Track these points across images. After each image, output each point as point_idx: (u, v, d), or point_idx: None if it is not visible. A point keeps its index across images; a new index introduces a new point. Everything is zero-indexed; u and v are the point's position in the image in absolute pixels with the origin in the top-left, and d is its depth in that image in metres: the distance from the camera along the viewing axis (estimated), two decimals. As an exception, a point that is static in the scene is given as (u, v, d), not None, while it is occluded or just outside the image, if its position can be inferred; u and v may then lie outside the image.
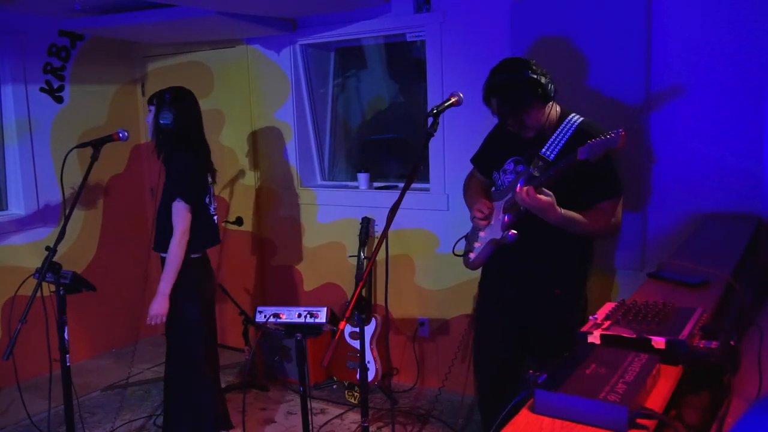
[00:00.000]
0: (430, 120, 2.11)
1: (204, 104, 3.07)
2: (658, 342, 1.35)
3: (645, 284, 1.98)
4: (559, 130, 2.29)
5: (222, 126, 4.36)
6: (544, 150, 2.26)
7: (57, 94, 4.29)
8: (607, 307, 1.61)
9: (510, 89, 2.26)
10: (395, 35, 3.82)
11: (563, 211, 2.19)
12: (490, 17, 3.33)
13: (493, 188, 2.52)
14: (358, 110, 4.33)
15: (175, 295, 2.83)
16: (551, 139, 2.28)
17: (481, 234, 2.46)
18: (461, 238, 2.62)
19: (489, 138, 2.67)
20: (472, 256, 2.50)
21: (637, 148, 2.92)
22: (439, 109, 2.12)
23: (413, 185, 3.59)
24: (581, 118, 2.33)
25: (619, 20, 2.91)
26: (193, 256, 2.87)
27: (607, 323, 1.48)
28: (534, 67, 2.26)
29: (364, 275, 1.97)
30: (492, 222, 2.42)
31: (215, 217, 3.03)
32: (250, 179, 4.34)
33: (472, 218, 2.51)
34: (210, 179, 2.99)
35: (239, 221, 4.34)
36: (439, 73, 3.52)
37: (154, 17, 3.60)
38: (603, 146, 2.01)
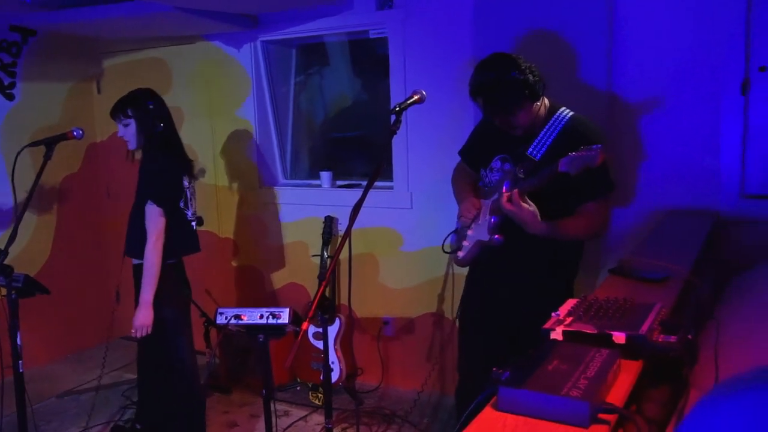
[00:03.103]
0: (393, 118, 2.11)
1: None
2: (619, 337, 1.38)
3: (606, 280, 2.02)
4: (547, 127, 2.27)
5: (181, 124, 4.29)
6: (530, 149, 2.26)
7: (8, 92, 4.17)
8: (570, 303, 1.63)
9: (496, 90, 2.21)
10: (358, 32, 3.81)
11: (545, 223, 2.17)
12: (452, 14, 3.34)
13: (480, 183, 2.52)
14: (320, 108, 4.31)
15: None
16: (538, 138, 2.26)
17: (470, 233, 2.46)
18: (451, 233, 2.62)
19: (476, 131, 2.64)
20: (460, 254, 2.51)
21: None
22: (402, 106, 2.11)
23: (377, 183, 3.59)
24: (569, 114, 2.32)
25: (581, 20, 2.95)
26: (168, 262, 2.81)
27: (569, 319, 1.50)
28: (522, 65, 2.21)
29: (327, 274, 1.96)
30: (480, 221, 2.42)
31: (194, 223, 2.97)
32: (211, 178, 4.29)
33: (459, 217, 2.51)
34: (187, 182, 2.92)
35: (200, 221, 4.25)
36: (401, 70, 3.53)
37: (110, 13, 3.52)
38: (582, 162, 1.97)
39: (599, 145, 1.97)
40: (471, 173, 2.64)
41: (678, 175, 2.90)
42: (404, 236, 3.71)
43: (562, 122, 2.28)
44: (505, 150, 2.39)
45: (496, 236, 2.30)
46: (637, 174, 2.99)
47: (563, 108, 2.34)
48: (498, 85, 2.20)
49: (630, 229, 3.02)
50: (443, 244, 2.61)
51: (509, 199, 2.13)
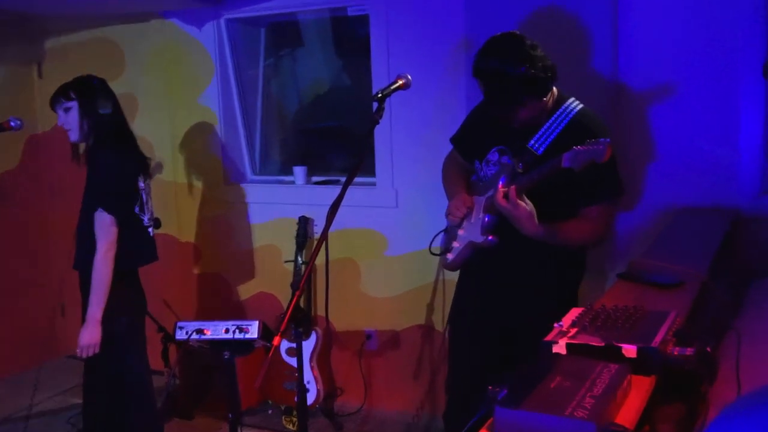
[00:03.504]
0: (375, 105, 2.11)
1: (114, 88, 2.98)
2: (629, 350, 1.38)
3: (614, 286, 2.03)
4: (553, 119, 2.27)
5: (135, 113, 4.26)
6: (532, 142, 2.26)
7: (-65, 76, 4.12)
8: (573, 312, 1.63)
9: (501, 83, 2.18)
10: (335, 9, 3.81)
11: (542, 226, 2.18)
12: (441, -10, 3.35)
13: (474, 176, 2.52)
14: (294, 95, 4.30)
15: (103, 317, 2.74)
16: (542, 130, 2.26)
17: (461, 232, 2.46)
18: (439, 233, 2.61)
19: (472, 117, 2.63)
20: (450, 256, 2.51)
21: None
22: (385, 93, 2.11)
23: (357, 179, 3.57)
24: (579, 106, 2.32)
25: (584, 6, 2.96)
26: (122, 272, 2.78)
27: (573, 331, 1.50)
28: (534, 56, 2.16)
29: (302, 282, 1.95)
30: (472, 219, 2.41)
31: (151, 229, 2.95)
32: (169, 174, 4.26)
33: (448, 215, 2.50)
34: (142, 182, 2.89)
35: (157, 223, 4.22)
36: (384, 52, 3.52)
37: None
38: (587, 157, 1.98)
39: (607, 139, 1.98)
40: (464, 164, 2.63)
41: (692, 169, 2.92)
42: (389, 238, 3.71)
43: (570, 115, 2.28)
44: (504, 141, 2.39)
45: (489, 237, 2.30)
46: (647, 169, 3.01)
47: (572, 99, 2.34)
48: (501, 78, 2.17)
49: (640, 230, 3.03)
50: (430, 246, 2.61)
51: (505, 196, 2.13)
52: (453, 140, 2.69)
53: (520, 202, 2.12)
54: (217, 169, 4.14)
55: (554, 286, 2.42)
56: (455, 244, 2.48)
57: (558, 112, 2.29)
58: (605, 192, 2.30)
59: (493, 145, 2.43)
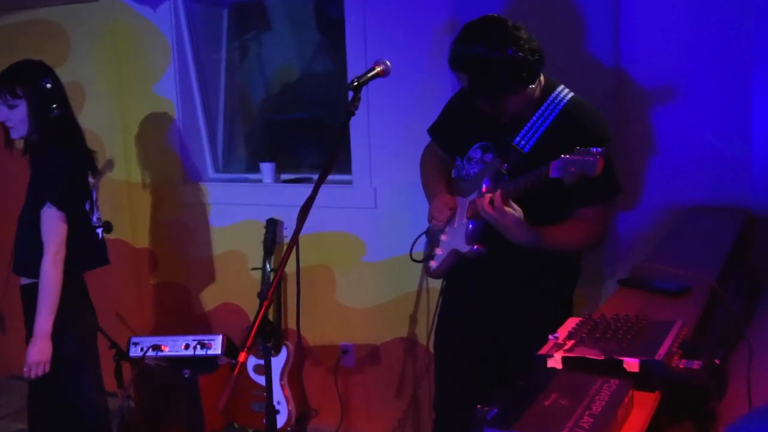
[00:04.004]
0: (351, 94, 2.10)
1: (58, 75, 2.97)
2: (631, 364, 1.39)
3: (615, 294, 2.04)
4: (540, 111, 2.28)
5: (82, 104, 4.23)
6: (518, 139, 2.26)
7: None
8: (570, 323, 1.64)
9: (486, 70, 2.18)
10: (306, -12, 3.80)
11: (533, 230, 2.18)
12: (423, -34, 3.36)
13: (455, 173, 2.52)
14: (260, 83, 4.29)
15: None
16: (529, 123, 2.26)
17: (443, 238, 2.47)
18: (419, 237, 2.62)
19: (451, 107, 2.63)
20: (433, 264, 2.51)
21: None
22: (361, 80, 2.11)
23: (331, 177, 3.58)
24: (569, 95, 2.32)
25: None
26: (69, 279, 2.76)
27: (569, 343, 1.51)
28: (520, 39, 2.17)
29: (270, 292, 1.95)
30: (455, 224, 2.42)
31: (100, 231, 2.94)
32: (121, 172, 4.24)
33: (431, 219, 2.51)
34: (92, 178, 2.89)
35: (107, 227, 4.20)
36: (361, 35, 3.52)
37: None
38: (578, 169, 1.98)
39: (600, 149, 1.97)
40: (444, 158, 2.64)
41: (700, 165, 2.95)
42: (367, 243, 3.71)
43: (559, 106, 2.28)
44: (488, 136, 2.39)
45: (475, 247, 2.31)
46: (651, 165, 3.03)
47: (561, 87, 2.34)
48: (486, 65, 2.18)
49: (643, 231, 3.06)
50: (411, 251, 2.61)
51: (490, 202, 2.13)
52: (431, 131, 2.69)
53: (507, 209, 2.12)
54: (175, 166, 4.12)
55: (548, 294, 2.44)
56: (438, 251, 2.48)
57: (546, 103, 2.29)
58: (601, 192, 2.31)
59: (475, 141, 2.43)
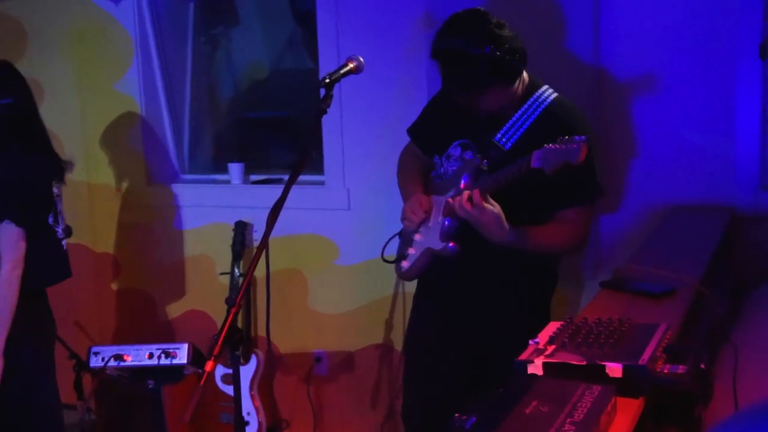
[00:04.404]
0: (323, 92, 2.10)
1: (13, 71, 2.95)
2: (614, 369, 1.40)
3: (597, 296, 2.05)
4: (523, 109, 2.30)
5: (40, 102, 4.14)
6: (498, 136, 2.28)
7: None
8: (551, 327, 1.65)
9: (463, 65, 2.20)
10: (275, -20, 3.80)
11: (513, 229, 2.19)
12: (398, -43, 3.37)
13: (434, 173, 2.53)
14: (229, 80, 4.28)
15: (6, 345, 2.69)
16: (511, 121, 2.28)
17: (417, 237, 2.48)
18: (393, 237, 2.62)
19: (432, 106, 2.65)
20: (405, 264, 2.51)
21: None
22: (333, 77, 2.11)
23: (303, 178, 3.55)
24: (552, 95, 2.34)
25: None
26: (27, 291, 2.73)
27: (550, 348, 1.51)
28: (503, 36, 2.18)
29: (239, 298, 1.94)
30: (430, 224, 2.43)
31: (64, 243, 2.91)
32: (81, 173, 4.19)
33: (403, 219, 2.51)
34: (57, 188, 2.85)
35: (68, 231, 4.16)
36: (333, 30, 3.52)
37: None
38: (560, 158, 2.00)
39: (582, 137, 2.00)
40: (423, 159, 2.65)
41: (683, 163, 2.98)
42: (340, 246, 3.70)
43: (542, 105, 2.32)
44: (468, 134, 2.41)
45: (450, 244, 2.31)
46: (633, 164, 3.05)
47: (545, 87, 2.37)
48: (465, 60, 2.19)
49: (625, 232, 3.08)
50: (383, 253, 2.61)
51: (469, 198, 2.14)
52: (410, 131, 2.71)
53: (486, 205, 2.13)
54: (139, 166, 4.10)
55: (525, 298, 2.45)
56: (411, 251, 2.49)
57: (529, 102, 2.32)
58: (583, 193, 2.34)
59: (454, 139, 2.44)
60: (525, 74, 2.35)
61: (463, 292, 2.48)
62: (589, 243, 3.11)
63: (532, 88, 2.35)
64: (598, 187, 2.38)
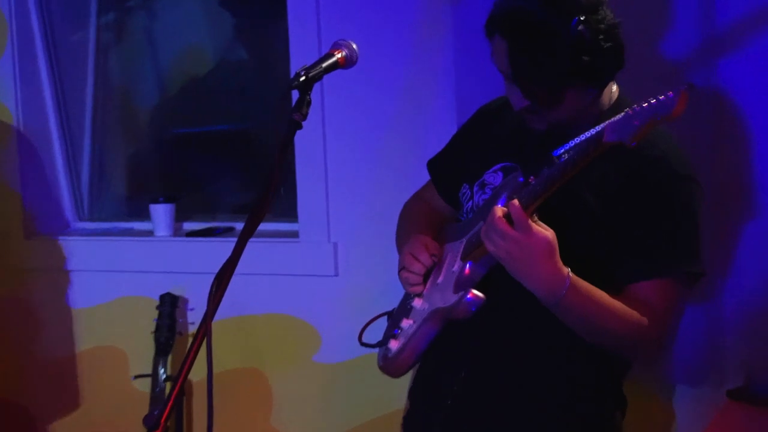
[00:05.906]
0: (296, 96, 2.12)
1: None
2: None
3: (723, 411, 2.04)
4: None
5: None
6: (560, 151, 2.27)
7: None
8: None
9: (536, 42, 2.19)
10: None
11: (567, 272, 2.16)
12: None
13: (460, 212, 2.56)
14: (151, 78, 4.31)
15: None
16: (582, 137, 2.29)
17: (416, 304, 2.49)
18: (381, 316, 2.65)
19: (462, 134, 2.72)
20: (394, 346, 2.52)
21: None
22: (311, 73, 2.13)
23: (266, 227, 3.57)
24: None
25: None
26: None
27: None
28: (597, 10, 2.20)
29: (164, 417, 1.93)
30: (440, 279, 2.44)
31: None
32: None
33: (400, 272, 2.53)
34: None
35: None
36: (312, 4, 3.56)
37: None
38: (645, 116, 1.95)
39: (680, 87, 1.95)
40: (437, 206, 2.72)
41: None
42: (322, 333, 3.73)
43: None
44: (516, 155, 2.43)
45: (468, 295, 2.29)
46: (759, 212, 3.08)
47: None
48: (539, 32, 2.19)
49: (760, 311, 3.07)
50: (361, 335, 2.62)
51: (505, 216, 2.12)
52: (431, 165, 2.76)
53: (532, 223, 2.12)
54: (13, 211, 4.14)
55: (583, 399, 2.43)
56: (405, 323, 2.49)
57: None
58: (671, 260, 2.29)
59: (497, 161, 2.46)
60: (615, 87, 2.39)
61: (482, 387, 2.46)
62: (705, 336, 3.10)
63: (620, 106, 2.34)
64: (696, 259, 2.34)
